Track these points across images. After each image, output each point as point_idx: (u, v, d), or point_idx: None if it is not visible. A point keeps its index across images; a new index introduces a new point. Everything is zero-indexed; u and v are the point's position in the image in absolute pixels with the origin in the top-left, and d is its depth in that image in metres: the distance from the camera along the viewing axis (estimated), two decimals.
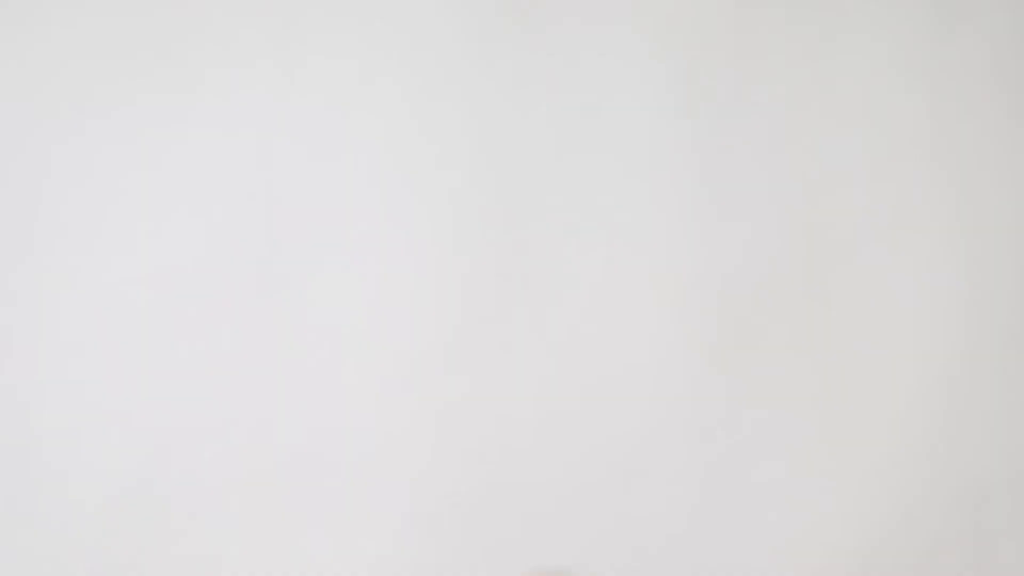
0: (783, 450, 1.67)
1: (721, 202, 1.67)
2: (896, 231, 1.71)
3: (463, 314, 1.59)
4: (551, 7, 1.62)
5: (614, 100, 1.64)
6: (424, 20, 1.59)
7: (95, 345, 1.51)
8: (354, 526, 1.56)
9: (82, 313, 1.51)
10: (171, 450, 1.52)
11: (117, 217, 1.52)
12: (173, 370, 1.52)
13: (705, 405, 1.66)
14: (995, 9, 1.73)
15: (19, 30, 1.49)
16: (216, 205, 1.54)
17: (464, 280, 1.59)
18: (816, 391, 1.69)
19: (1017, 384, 1.74)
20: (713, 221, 1.66)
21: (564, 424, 1.61)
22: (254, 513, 1.54)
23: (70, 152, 1.50)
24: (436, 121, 1.59)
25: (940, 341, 1.71)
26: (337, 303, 1.56)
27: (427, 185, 1.59)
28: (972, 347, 1.72)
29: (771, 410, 1.67)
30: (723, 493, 1.66)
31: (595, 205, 1.64)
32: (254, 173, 1.55)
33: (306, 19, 1.56)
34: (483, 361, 1.58)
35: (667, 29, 1.65)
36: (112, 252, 1.52)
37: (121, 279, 1.52)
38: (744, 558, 1.66)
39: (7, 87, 1.50)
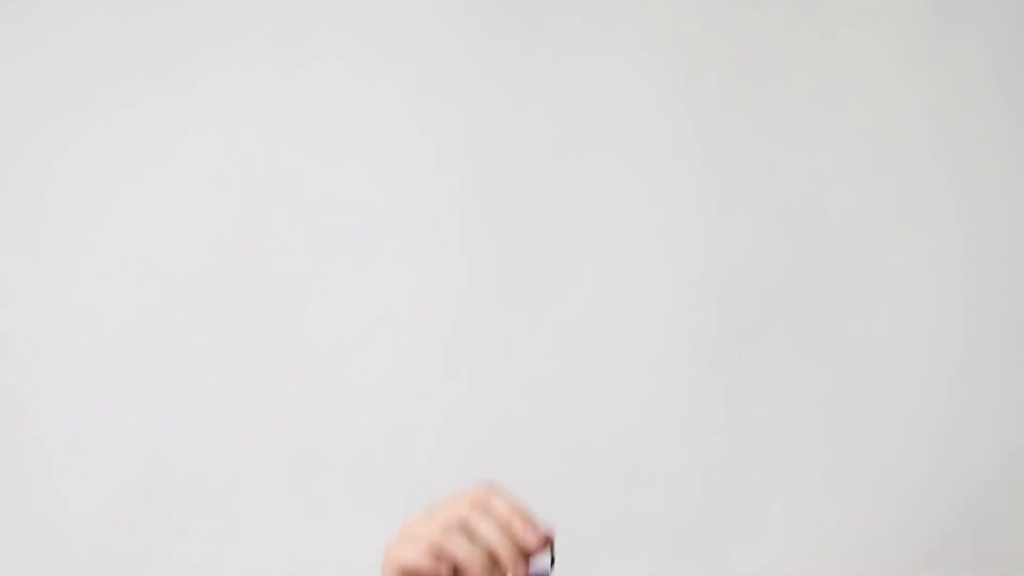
0: (783, 450, 1.67)
1: (721, 202, 1.67)
2: (896, 231, 1.71)
3: (463, 314, 1.59)
4: (551, 6, 1.62)
5: (614, 99, 1.63)
6: (424, 19, 1.58)
7: (94, 348, 1.51)
8: (354, 526, 1.56)
9: (81, 316, 1.50)
10: (171, 452, 1.52)
11: (117, 219, 1.52)
12: (173, 372, 1.52)
13: (705, 405, 1.66)
14: (995, 9, 1.72)
15: (20, 30, 1.49)
16: (216, 206, 1.54)
17: (464, 280, 1.59)
18: (816, 391, 1.68)
19: (1018, 384, 1.73)
20: (713, 221, 1.66)
21: (563, 424, 1.61)
22: (254, 514, 1.54)
23: (69, 153, 1.50)
24: (436, 120, 1.59)
25: (940, 341, 1.71)
26: (337, 303, 1.56)
27: (427, 184, 1.59)
28: (972, 347, 1.72)
29: (771, 410, 1.67)
30: (722, 493, 1.66)
31: (596, 204, 1.63)
32: (254, 173, 1.55)
33: (306, 19, 1.56)
34: (483, 361, 1.58)
35: (667, 29, 1.65)
36: (111, 254, 1.52)
37: (121, 281, 1.51)
38: (743, 558, 1.66)
39: (7, 87, 1.49)
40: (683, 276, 1.65)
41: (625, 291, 1.63)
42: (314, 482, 1.54)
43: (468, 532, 0.81)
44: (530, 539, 0.80)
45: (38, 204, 1.50)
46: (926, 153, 1.71)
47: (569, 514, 1.62)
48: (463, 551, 0.79)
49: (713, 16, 1.66)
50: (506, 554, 0.79)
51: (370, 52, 1.57)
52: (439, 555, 0.81)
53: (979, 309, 1.72)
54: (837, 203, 1.69)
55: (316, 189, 1.56)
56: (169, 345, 1.52)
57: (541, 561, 0.82)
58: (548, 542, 0.80)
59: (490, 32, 1.60)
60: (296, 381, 1.55)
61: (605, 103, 1.63)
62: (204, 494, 1.52)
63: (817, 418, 1.68)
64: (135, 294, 1.51)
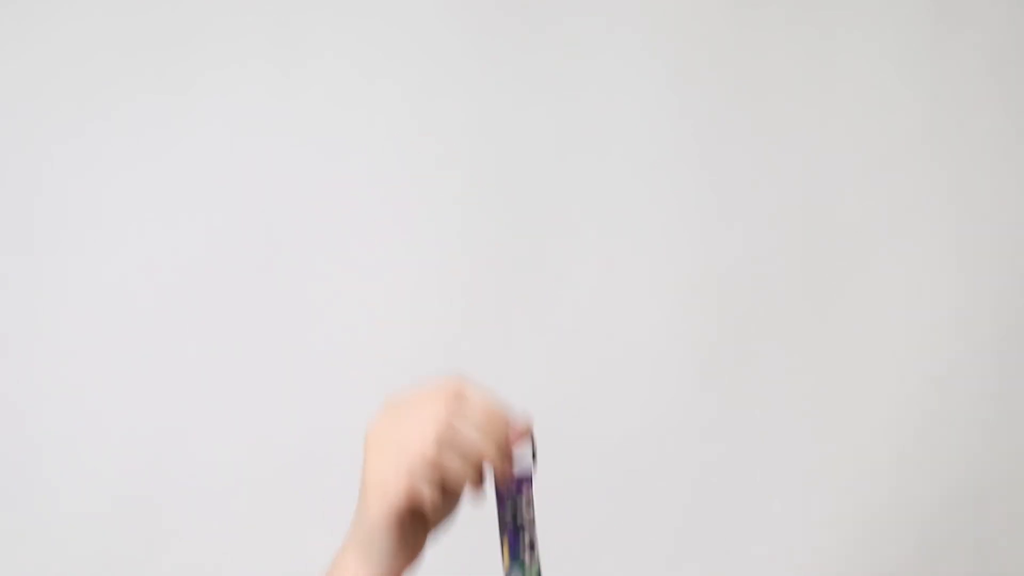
0: (782, 450, 1.67)
1: (721, 202, 1.67)
2: (895, 231, 1.71)
3: (463, 314, 1.59)
4: (551, 6, 1.62)
5: (614, 99, 1.63)
6: (424, 19, 1.58)
7: (92, 349, 1.51)
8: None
9: (79, 316, 1.50)
10: (170, 454, 1.52)
11: (116, 219, 1.52)
12: (172, 373, 1.52)
13: (704, 405, 1.66)
14: (995, 9, 1.72)
15: (20, 29, 1.49)
16: (215, 208, 1.53)
17: (463, 280, 1.59)
18: (815, 391, 1.68)
19: (1017, 384, 1.74)
20: (712, 221, 1.66)
21: (563, 423, 1.61)
22: (254, 517, 1.54)
23: (69, 152, 1.50)
24: (436, 121, 1.59)
25: (939, 341, 1.71)
26: (337, 304, 1.56)
27: (427, 185, 1.59)
28: (971, 348, 1.72)
29: (770, 410, 1.67)
30: (722, 493, 1.66)
31: (595, 205, 1.63)
32: (254, 174, 1.55)
33: (306, 19, 1.56)
34: (483, 361, 1.58)
35: (667, 29, 1.65)
36: (110, 255, 1.52)
37: (119, 282, 1.51)
38: (743, 558, 1.66)
39: (6, 85, 1.49)
40: (682, 277, 1.65)
41: (625, 292, 1.63)
42: (314, 484, 1.54)
43: (456, 443, 0.74)
44: (512, 435, 0.75)
45: (36, 204, 1.50)
46: (925, 154, 1.71)
47: (569, 513, 1.62)
48: (457, 467, 0.73)
49: (713, 16, 1.66)
50: (492, 457, 0.74)
51: (370, 52, 1.57)
52: (441, 478, 0.73)
53: (977, 309, 1.72)
54: (836, 204, 1.69)
55: (316, 189, 1.56)
56: (168, 346, 1.52)
57: (524, 459, 0.78)
58: (528, 434, 0.76)
59: (490, 32, 1.60)
60: (295, 382, 1.54)
61: (605, 103, 1.63)
62: (204, 496, 1.52)
63: (816, 418, 1.68)
64: (134, 295, 1.51)
